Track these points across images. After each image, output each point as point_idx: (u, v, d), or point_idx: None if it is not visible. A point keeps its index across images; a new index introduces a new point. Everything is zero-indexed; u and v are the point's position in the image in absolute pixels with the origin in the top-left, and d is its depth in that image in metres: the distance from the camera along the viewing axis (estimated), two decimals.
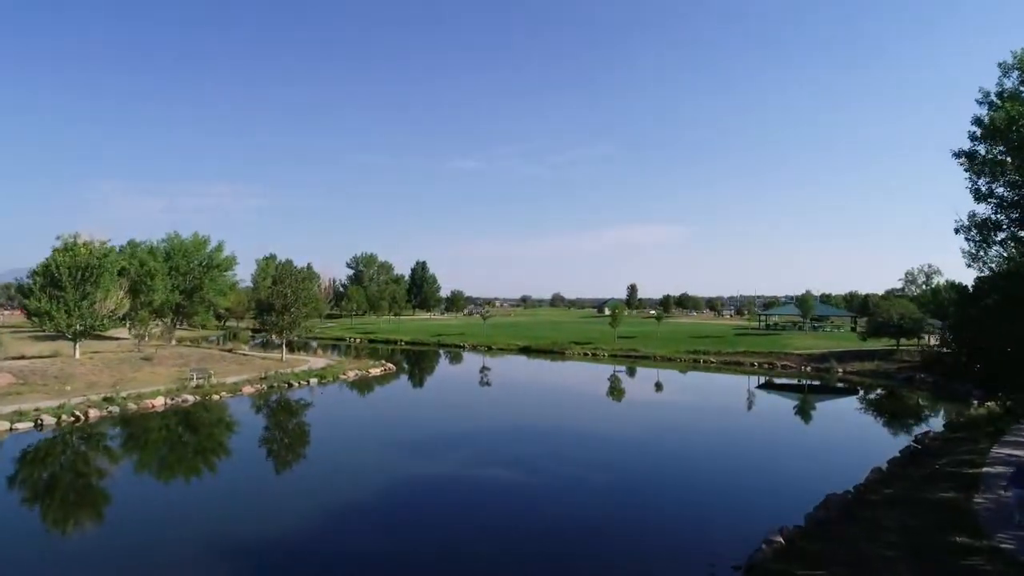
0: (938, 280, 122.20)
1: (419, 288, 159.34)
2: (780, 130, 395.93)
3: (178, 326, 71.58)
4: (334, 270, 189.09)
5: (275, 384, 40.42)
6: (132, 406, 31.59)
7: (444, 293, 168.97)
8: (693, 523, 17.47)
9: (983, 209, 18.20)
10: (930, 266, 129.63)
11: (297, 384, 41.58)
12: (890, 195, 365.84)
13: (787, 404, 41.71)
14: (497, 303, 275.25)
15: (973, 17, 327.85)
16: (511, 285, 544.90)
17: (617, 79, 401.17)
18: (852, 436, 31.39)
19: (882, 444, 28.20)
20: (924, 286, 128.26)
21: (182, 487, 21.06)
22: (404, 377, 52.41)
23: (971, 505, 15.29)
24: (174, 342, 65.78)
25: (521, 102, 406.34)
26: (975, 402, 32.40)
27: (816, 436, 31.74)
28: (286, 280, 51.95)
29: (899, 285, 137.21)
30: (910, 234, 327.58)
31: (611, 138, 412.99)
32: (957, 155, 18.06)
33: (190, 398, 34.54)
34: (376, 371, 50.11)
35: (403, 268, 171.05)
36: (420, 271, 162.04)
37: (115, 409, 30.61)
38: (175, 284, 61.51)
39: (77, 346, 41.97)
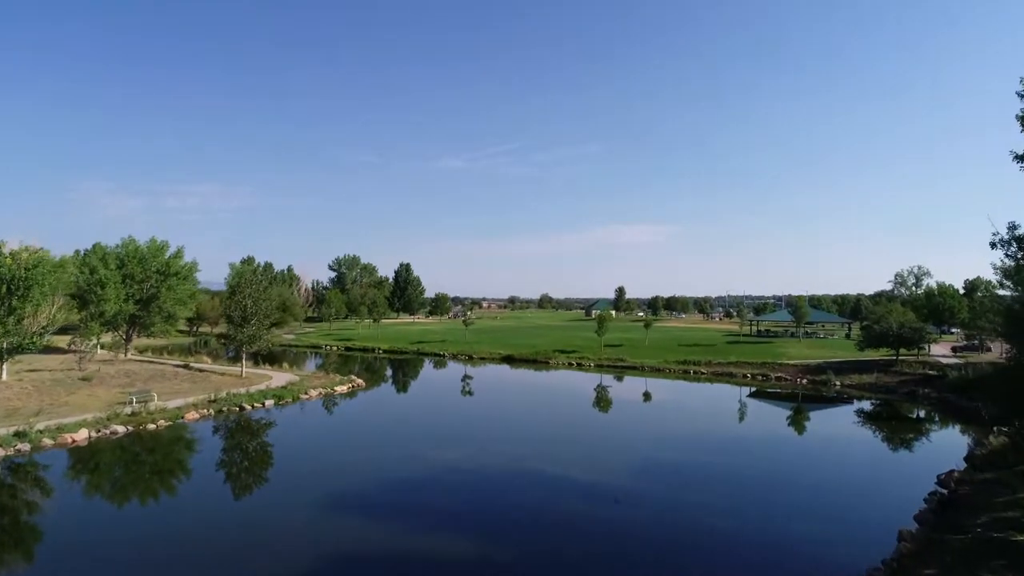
0: (928, 282, 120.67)
1: (403, 291, 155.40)
2: (771, 131, 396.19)
3: (139, 335, 67.08)
4: (318, 272, 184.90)
5: (224, 408, 36.43)
6: (48, 441, 27.45)
7: (429, 295, 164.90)
8: None
9: None
10: (920, 268, 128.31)
11: (251, 407, 37.55)
12: (883, 196, 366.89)
13: (783, 425, 38.56)
14: (484, 304, 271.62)
15: (965, 17, 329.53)
16: (499, 285, 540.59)
17: (605, 80, 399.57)
18: (862, 469, 28.07)
19: (899, 483, 25.16)
20: (914, 288, 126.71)
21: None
22: (372, 395, 48.33)
23: None
24: (132, 354, 61.56)
25: (510, 103, 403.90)
26: (993, 428, 29.49)
27: (820, 469, 28.39)
28: (245, 290, 47.49)
29: (889, 287, 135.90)
30: (902, 234, 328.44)
31: (598, 137, 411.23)
32: (1020, 158, 14.74)
33: (121, 429, 30.48)
34: (343, 388, 46.21)
35: (390, 269, 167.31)
36: (404, 273, 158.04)
37: (25, 447, 26.53)
38: (129, 293, 56.92)
39: (4, 366, 37.82)
